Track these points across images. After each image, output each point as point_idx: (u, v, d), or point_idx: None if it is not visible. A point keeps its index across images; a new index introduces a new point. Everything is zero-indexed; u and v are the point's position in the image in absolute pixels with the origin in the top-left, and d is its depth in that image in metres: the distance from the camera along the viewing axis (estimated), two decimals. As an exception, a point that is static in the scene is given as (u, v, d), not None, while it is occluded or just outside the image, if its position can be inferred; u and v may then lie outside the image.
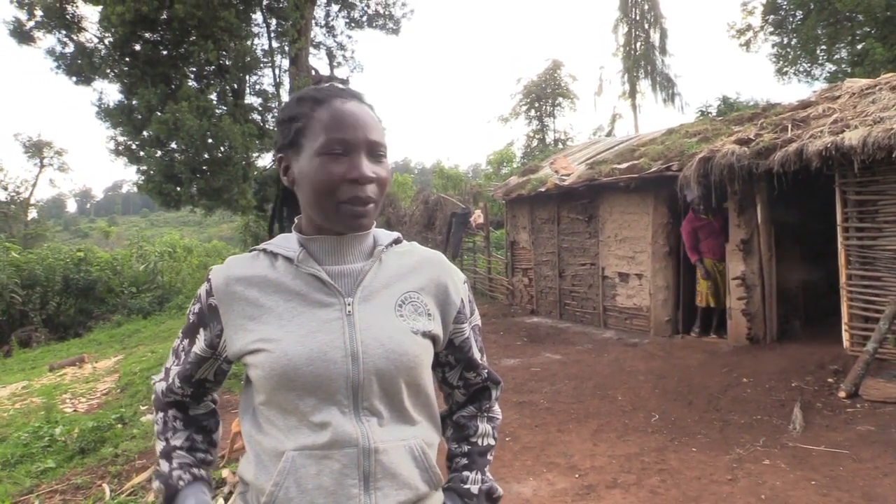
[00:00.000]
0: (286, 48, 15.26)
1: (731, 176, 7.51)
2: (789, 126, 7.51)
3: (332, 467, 1.11)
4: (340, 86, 1.25)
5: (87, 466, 5.55)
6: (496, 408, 1.42)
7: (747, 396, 6.14)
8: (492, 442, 1.38)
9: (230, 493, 4.35)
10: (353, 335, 1.15)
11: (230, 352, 1.20)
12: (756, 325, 7.86)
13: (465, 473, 1.31)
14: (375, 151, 1.19)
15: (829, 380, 6.27)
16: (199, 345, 1.23)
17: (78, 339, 17.56)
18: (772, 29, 23.15)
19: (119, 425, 6.60)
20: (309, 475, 1.11)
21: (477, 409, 1.39)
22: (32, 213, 43.86)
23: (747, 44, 24.31)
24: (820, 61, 22.19)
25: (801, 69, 22.84)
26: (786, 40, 22.88)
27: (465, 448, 1.35)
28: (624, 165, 9.46)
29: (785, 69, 23.09)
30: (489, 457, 1.36)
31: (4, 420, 8.29)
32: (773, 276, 7.79)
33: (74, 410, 8.28)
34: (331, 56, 18.73)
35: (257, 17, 14.47)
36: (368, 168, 1.16)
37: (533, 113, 34.53)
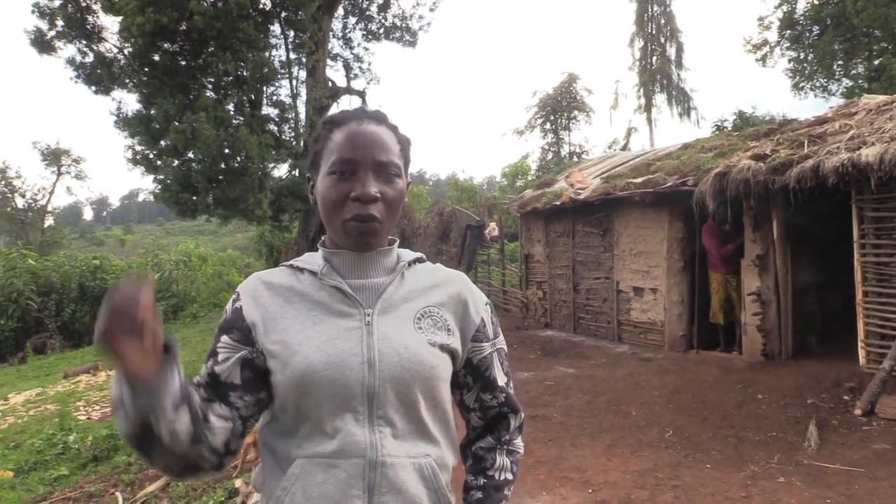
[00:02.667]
0: (303, 60, 15.41)
1: (748, 191, 7.49)
2: (806, 142, 7.48)
3: (337, 476, 1.12)
4: (367, 108, 1.30)
5: (101, 474, 5.58)
6: (518, 441, 1.38)
7: (762, 413, 6.09)
8: (510, 477, 1.33)
9: (243, 502, 4.37)
10: (370, 343, 1.17)
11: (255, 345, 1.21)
12: (771, 340, 7.80)
13: None
14: (385, 171, 1.22)
15: (845, 397, 6.21)
16: (225, 340, 1.21)
17: (92, 346, 17.67)
18: (788, 44, 23.07)
19: (133, 433, 6.63)
20: (315, 483, 1.13)
21: (496, 440, 1.35)
22: (49, 221, 44.47)
23: (763, 59, 24.23)
24: (836, 77, 22.10)
25: (818, 84, 22.75)
26: (802, 55, 22.79)
27: (481, 481, 1.31)
28: (639, 180, 9.45)
29: (801, 84, 23.00)
30: (506, 492, 1.31)
31: (19, 426, 8.35)
32: (789, 292, 7.73)
33: (88, 418, 8.32)
34: (347, 68, 18.89)
35: (275, 28, 14.63)
36: (373, 187, 1.19)
37: (548, 126, 34.56)
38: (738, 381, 7.16)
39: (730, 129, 17.77)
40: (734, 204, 7.75)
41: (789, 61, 23.33)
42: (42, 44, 13.24)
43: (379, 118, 1.27)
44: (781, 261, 7.69)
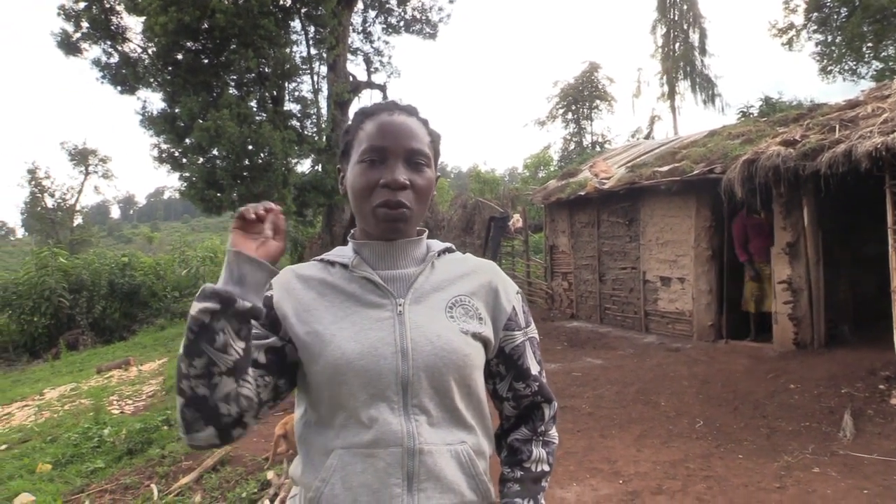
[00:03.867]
0: (324, 55, 15.45)
1: (777, 178, 7.36)
2: (837, 126, 7.32)
3: (376, 465, 1.13)
4: (399, 102, 1.31)
5: (135, 467, 5.66)
6: (552, 431, 1.38)
7: (795, 403, 6.00)
8: (546, 468, 1.32)
9: (275, 494, 4.41)
10: (403, 333, 1.18)
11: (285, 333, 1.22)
12: (803, 329, 7.68)
13: (518, 501, 1.26)
14: (414, 160, 1.23)
15: (881, 386, 6.08)
16: (253, 323, 1.18)
17: (123, 342, 17.96)
18: (815, 27, 22.64)
19: (165, 427, 6.73)
20: (354, 472, 1.13)
21: (531, 431, 1.35)
22: (78, 220, 45.25)
23: (790, 42, 23.81)
24: (866, 59, 21.65)
25: (847, 68, 22.32)
26: (830, 38, 22.37)
27: (518, 474, 1.30)
28: (665, 168, 9.34)
29: (829, 68, 22.59)
30: (543, 483, 1.31)
31: (55, 421, 8.52)
32: (821, 280, 7.60)
33: (122, 412, 8.46)
34: (368, 62, 18.89)
35: (296, 24, 14.69)
36: (402, 174, 1.20)
37: (570, 116, 34.36)
38: (769, 370, 7.06)
39: (756, 115, 17.47)
40: (763, 191, 7.63)
41: (816, 44, 22.94)
42: (68, 45, 13.43)
43: (410, 111, 1.29)
44: (812, 248, 7.56)
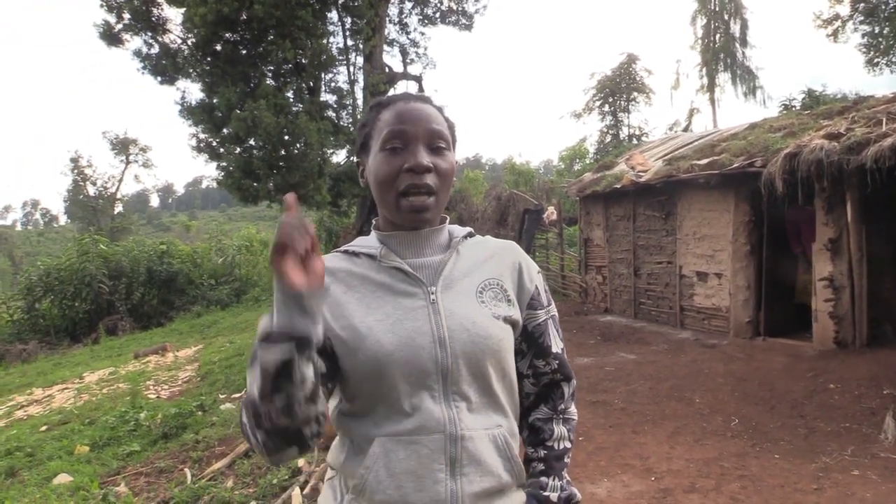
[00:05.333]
0: (360, 46, 15.47)
1: (820, 172, 7.17)
2: (884, 120, 7.11)
3: (419, 452, 1.14)
4: (411, 93, 1.33)
5: (170, 451, 5.77)
6: (572, 408, 1.40)
7: (834, 403, 5.86)
8: (568, 445, 1.36)
9: (306, 481, 4.45)
10: (438, 322, 1.19)
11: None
12: (844, 328, 7.48)
13: (544, 479, 1.30)
14: (435, 144, 1.23)
15: (925, 388, 5.92)
16: None
17: (160, 328, 18.33)
18: (861, 18, 22.00)
19: (199, 413, 6.85)
20: (398, 459, 1.14)
21: (552, 409, 1.37)
22: (118, 208, 46.23)
23: (835, 34, 23.18)
24: (914, 51, 21.02)
25: (894, 59, 21.69)
26: (877, 29, 21.75)
27: (542, 453, 1.33)
28: (704, 161, 9.17)
29: (876, 60, 22.02)
30: (566, 459, 1.34)
31: (93, 404, 8.72)
32: (864, 277, 7.39)
33: (157, 397, 8.63)
34: (404, 53, 18.84)
35: (333, 15, 14.71)
36: (426, 158, 1.20)
37: (606, 108, 33.85)
38: (808, 369, 6.91)
39: (799, 108, 17.05)
40: (805, 186, 7.44)
41: (863, 36, 22.31)
42: (110, 37, 13.63)
43: (425, 99, 1.30)
44: (856, 244, 7.35)
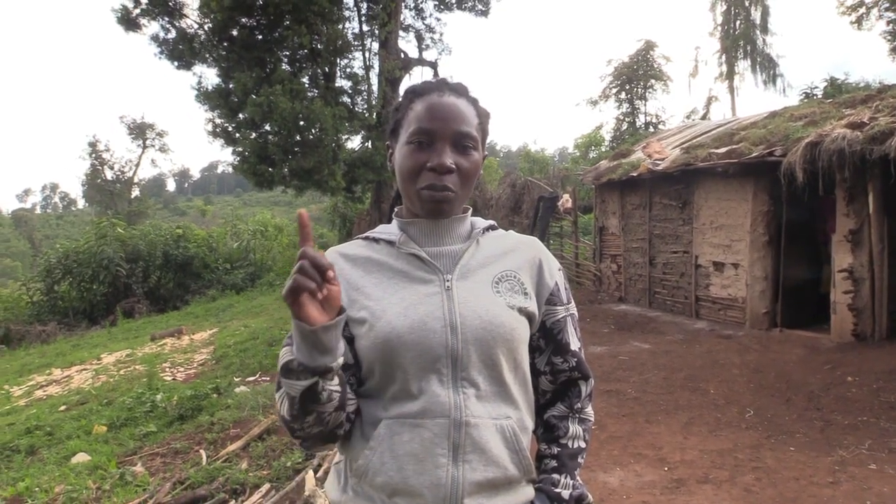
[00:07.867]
0: (376, 31, 15.45)
1: (841, 162, 7.06)
2: (908, 109, 6.99)
3: (423, 435, 1.15)
4: (449, 81, 1.31)
5: (186, 432, 5.82)
6: (589, 409, 1.39)
7: (852, 396, 5.80)
8: (582, 445, 1.34)
9: (318, 465, 4.46)
10: (451, 308, 1.20)
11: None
12: (863, 320, 7.40)
13: (556, 476, 1.28)
14: (461, 143, 1.24)
15: (945, 382, 5.84)
16: None
17: (176, 311, 18.47)
18: (887, 5, 21.62)
19: (215, 395, 6.89)
20: (401, 441, 1.16)
21: (567, 408, 1.36)
22: (136, 192, 46.52)
23: (859, 21, 22.81)
24: (942, 39, 20.63)
25: (921, 48, 21.32)
26: (903, 16, 21.36)
27: (555, 450, 1.32)
28: (722, 150, 9.06)
29: (901, 47, 21.60)
30: (580, 460, 1.33)
31: (110, 385, 8.82)
32: (885, 269, 7.29)
33: (173, 379, 8.70)
34: (419, 39, 18.77)
35: (348, 1, 14.69)
36: (449, 158, 1.21)
37: (623, 95, 33.44)
38: (825, 361, 6.84)
39: (820, 96, 16.80)
40: (826, 176, 7.33)
41: (888, 23, 21.95)
42: (128, 21, 13.68)
43: (459, 91, 1.29)
44: (877, 236, 7.25)
